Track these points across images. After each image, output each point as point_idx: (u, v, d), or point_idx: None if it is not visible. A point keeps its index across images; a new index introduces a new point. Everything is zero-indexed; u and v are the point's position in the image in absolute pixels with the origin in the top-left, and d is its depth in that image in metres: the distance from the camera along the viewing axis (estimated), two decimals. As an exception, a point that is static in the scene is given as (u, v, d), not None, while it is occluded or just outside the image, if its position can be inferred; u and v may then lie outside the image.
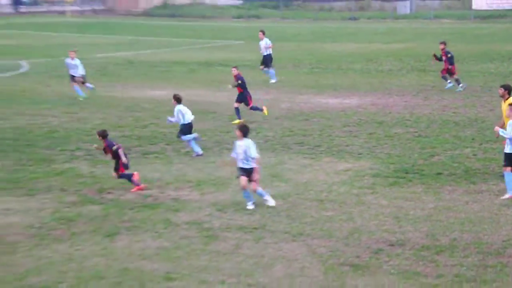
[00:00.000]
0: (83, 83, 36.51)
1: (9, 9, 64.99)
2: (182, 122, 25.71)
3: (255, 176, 20.13)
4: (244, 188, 20.10)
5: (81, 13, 66.16)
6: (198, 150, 25.55)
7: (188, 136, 25.66)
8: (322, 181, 22.61)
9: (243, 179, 20.02)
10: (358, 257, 16.69)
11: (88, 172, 23.23)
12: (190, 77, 39.79)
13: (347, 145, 26.92)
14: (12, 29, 55.71)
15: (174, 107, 25.75)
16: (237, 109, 30.68)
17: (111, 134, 27.26)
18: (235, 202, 20.60)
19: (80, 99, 35.66)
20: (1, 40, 49.23)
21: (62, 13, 65.67)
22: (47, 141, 26.60)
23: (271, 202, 20.26)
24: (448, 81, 37.83)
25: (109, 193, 21.38)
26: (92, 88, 36.76)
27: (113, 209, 20.08)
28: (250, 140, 20.19)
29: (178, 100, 25.82)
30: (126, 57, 45.39)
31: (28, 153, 25.24)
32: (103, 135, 22.16)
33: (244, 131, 20.46)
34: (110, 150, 21.71)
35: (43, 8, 67.41)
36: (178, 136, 26.10)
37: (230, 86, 31.47)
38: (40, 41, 50.11)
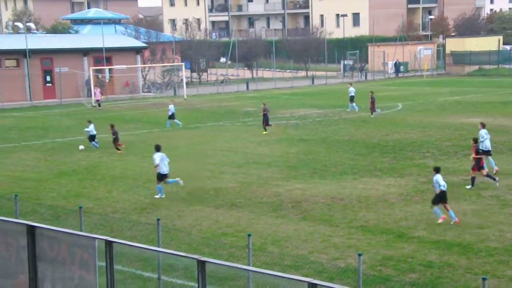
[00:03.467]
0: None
1: (394, 75, 67.26)
2: None
3: None
4: None
5: (431, 76, 66.83)
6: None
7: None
8: None
9: None
10: None
11: (431, 165, 22.77)
12: (497, 110, 37.70)
13: None
14: (394, 86, 56.43)
15: None
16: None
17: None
18: (519, 186, 19.58)
19: None
20: (389, 92, 50.14)
21: (421, 76, 66.67)
22: (410, 147, 26.71)
23: None
24: None
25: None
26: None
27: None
28: None
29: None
30: (456, 99, 43.80)
31: (400, 153, 25.42)
32: None
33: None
34: None
35: (411, 74, 68.65)
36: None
37: None
38: (408, 92, 50.07)
